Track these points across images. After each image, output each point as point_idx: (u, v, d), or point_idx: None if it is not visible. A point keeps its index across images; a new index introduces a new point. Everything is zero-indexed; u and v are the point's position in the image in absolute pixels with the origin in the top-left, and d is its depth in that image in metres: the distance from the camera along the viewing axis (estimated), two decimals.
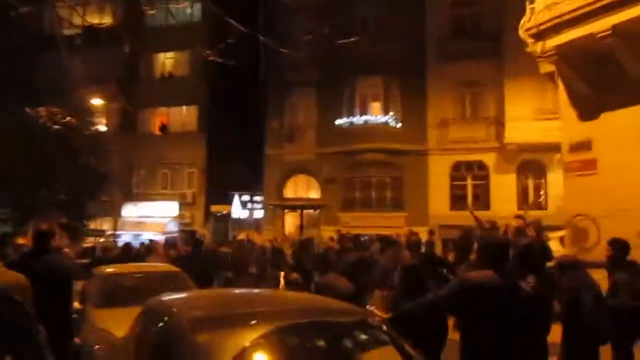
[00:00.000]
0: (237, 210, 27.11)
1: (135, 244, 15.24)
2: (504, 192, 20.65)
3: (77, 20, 15.13)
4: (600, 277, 6.35)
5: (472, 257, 4.85)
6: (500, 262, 3.37)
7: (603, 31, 7.30)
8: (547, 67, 9.23)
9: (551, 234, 10.08)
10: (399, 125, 22.25)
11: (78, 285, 6.67)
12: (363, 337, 3.26)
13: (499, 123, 20.98)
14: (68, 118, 17.94)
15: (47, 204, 20.48)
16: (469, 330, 3.16)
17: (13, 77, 20.30)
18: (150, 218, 26.05)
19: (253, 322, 3.07)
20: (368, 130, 22.21)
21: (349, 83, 22.65)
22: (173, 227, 25.53)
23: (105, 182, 23.53)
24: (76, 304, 6.34)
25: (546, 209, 19.36)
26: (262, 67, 24.60)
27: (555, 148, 14.19)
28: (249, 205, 27.05)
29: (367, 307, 4.15)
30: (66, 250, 7.31)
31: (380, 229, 17.56)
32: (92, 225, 24.27)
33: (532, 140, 19.28)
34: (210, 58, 6.95)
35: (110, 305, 6.36)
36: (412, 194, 21.92)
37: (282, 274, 9.42)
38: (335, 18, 20.78)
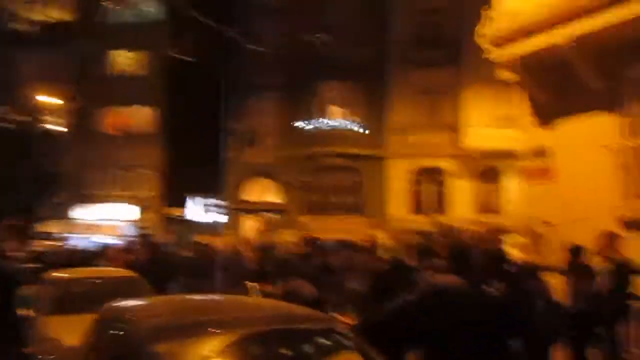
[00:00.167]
0: (197, 214, 26.66)
1: (89, 247, 14.74)
2: (461, 197, 21.05)
3: (31, 16, 14.61)
4: (558, 282, 6.48)
5: (436, 261, 4.85)
6: (465, 267, 3.37)
7: (563, 41, 7.47)
8: (505, 75, 9.38)
9: (507, 239, 10.25)
10: (360, 129, 22.37)
11: (28, 292, 6.37)
12: (329, 344, 3.17)
13: (457, 130, 21.37)
14: (19, 117, 17.28)
15: None
16: (435, 337, 3.12)
17: None
18: (105, 221, 25.30)
19: (215, 330, 2.94)
20: (329, 135, 22.27)
21: (312, 87, 22.65)
22: (128, 231, 24.87)
23: (58, 183, 22.73)
24: (26, 311, 6.04)
25: (501, 214, 19.78)
26: (223, 70, 24.30)
27: (510, 154, 14.51)
28: (209, 208, 26.64)
29: (332, 313, 4.07)
30: (14, 253, 6.97)
31: (340, 233, 17.56)
32: (43, 227, 23.39)
33: (489, 147, 19.71)
34: (174, 55, 6.76)
35: (62, 312, 6.09)
36: (372, 198, 22.08)
37: (255, 284, 9.20)
38: (299, 23, 20.76)
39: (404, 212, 21.56)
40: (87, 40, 25.30)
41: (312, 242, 12.77)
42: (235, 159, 24.04)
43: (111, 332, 3.45)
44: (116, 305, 3.76)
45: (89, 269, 8.73)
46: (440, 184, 21.99)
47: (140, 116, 27.11)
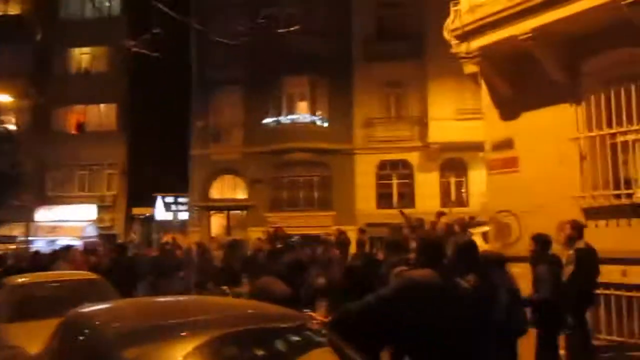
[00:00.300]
0: (161, 213, 26.23)
1: (51, 249, 14.31)
2: (427, 190, 21.27)
3: None
4: (523, 271, 6.59)
5: (408, 255, 4.85)
6: (438, 260, 3.36)
7: (524, 33, 7.57)
8: (470, 68, 9.47)
9: (474, 230, 10.39)
10: (326, 124, 22.37)
11: None
12: (302, 342, 3.13)
13: (423, 123, 21.59)
14: None
15: None
16: (410, 332, 3.11)
17: None
18: (67, 222, 24.61)
19: (185, 333, 2.86)
20: (295, 130, 22.20)
21: (276, 82, 22.52)
22: (91, 232, 24.30)
23: (16, 185, 21.97)
24: None
25: (468, 205, 20.10)
26: (186, 65, 23.94)
27: (476, 147, 14.72)
28: (174, 207, 26.25)
29: (305, 310, 4.03)
30: None
31: (308, 228, 17.56)
32: (3, 231, 22.62)
33: (454, 140, 19.97)
34: (134, 49, 6.57)
35: (23, 318, 5.88)
36: (340, 193, 22.12)
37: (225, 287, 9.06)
38: (261, 16, 20.54)
39: (372, 206, 21.68)
40: (45, 36, 24.54)
41: (280, 238, 12.72)
42: (201, 156, 23.75)
43: (76, 338, 3.32)
44: (80, 310, 3.64)
45: (50, 272, 8.47)
46: (407, 177, 22.19)
47: (101, 114, 26.47)
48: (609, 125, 7.55)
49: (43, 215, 25.09)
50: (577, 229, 6.40)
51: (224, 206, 24.02)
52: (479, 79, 9.37)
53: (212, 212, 24.16)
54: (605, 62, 7.61)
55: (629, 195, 7.26)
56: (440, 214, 11.55)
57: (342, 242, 12.14)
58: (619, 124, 7.44)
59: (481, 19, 8.18)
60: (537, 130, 8.19)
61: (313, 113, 22.48)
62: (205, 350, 2.73)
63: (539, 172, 8.10)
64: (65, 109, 26.28)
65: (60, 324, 3.67)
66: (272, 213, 22.21)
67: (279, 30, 12.07)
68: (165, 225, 25.68)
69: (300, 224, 20.10)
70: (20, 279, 7.21)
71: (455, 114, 20.45)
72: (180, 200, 26.02)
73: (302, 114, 22.54)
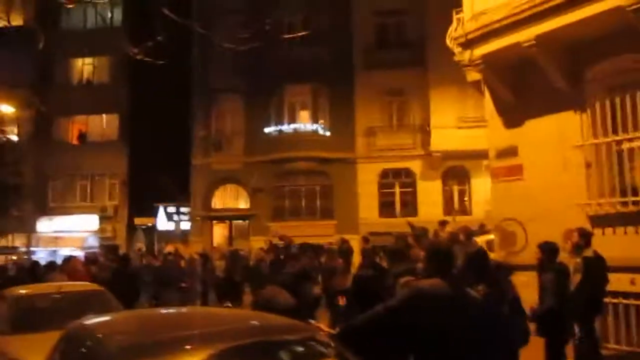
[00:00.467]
0: (163, 223, 26.16)
1: (52, 260, 14.25)
2: (430, 199, 21.18)
3: None
4: (529, 280, 6.52)
5: (413, 265, 4.78)
6: (447, 270, 3.29)
7: (527, 40, 7.56)
8: (473, 76, 9.47)
9: (477, 239, 10.32)
10: (328, 133, 22.34)
11: None
12: (311, 354, 3.06)
13: (425, 131, 21.53)
14: None
15: None
16: (419, 343, 3.05)
17: None
18: (68, 233, 24.54)
19: (190, 346, 2.79)
20: (297, 139, 22.14)
21: (277, 91, 22.51)
22: (93, 242, 24.22)
23: (17, 195, 21.92)
24: None
25: (470, 214, 20.01)
26: (187, 75, 23.96)
27: (478, 155, 14.69)
28: (176, 217, 26.19)
29: (311, 321, 3.95)
30: None
31: (311, 237, 17.45)
32: (4, 242, 22.56)
33: (456, 148, 19.91)
34: (138, 57, 6.54)
35: (24, 331, 5.80)
36: (342, 202, 22.03)
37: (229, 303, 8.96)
38: (263, 25, 20.54)
39: (374, 215, 21.59)
40: (47, 46, 24.58)
41: (283, 248, 12.64)
42: (202, 166, 23.70)
43: (79, 350, 3.25)
44: (82, 323, 3.57)
45: (52, 283, 8.39)
46: (410, 185, 22.11)
47: (102, 124, 26.48)
48: (615, 132, 7.51)
49: (44, 225, 25.04)
50: (585, 237, 6.32)
51: (226, 216, 23.94)
52: (482, 87, 9.36)
53: (213, 221, 24.08)
54: (609, 68, 7.59)
55: (636, 203, 7.20)
56: (444, 223, 11.48)
57: (345, 251, 12.05)
58: (625, 130, 7.39)
59: (484, 26, 8.17)
60: (542, 138, 8.15)
61: (315, 122, 22.45)
62: None
63: (543, 180, 8.05)
64: (67, 119, 26.30)
65: (62, 336, 3.60)
66: (274, 222, 22.12)
67: (283, 36, 12.06)
68: (167, 235, 25.61)
69: (302, 233, 20.00)
70: (22, 291, 7.13)
71: (458, 122, 20.40)
72: (182, 210, 25.96)
73: (303, 123, 22.51)
